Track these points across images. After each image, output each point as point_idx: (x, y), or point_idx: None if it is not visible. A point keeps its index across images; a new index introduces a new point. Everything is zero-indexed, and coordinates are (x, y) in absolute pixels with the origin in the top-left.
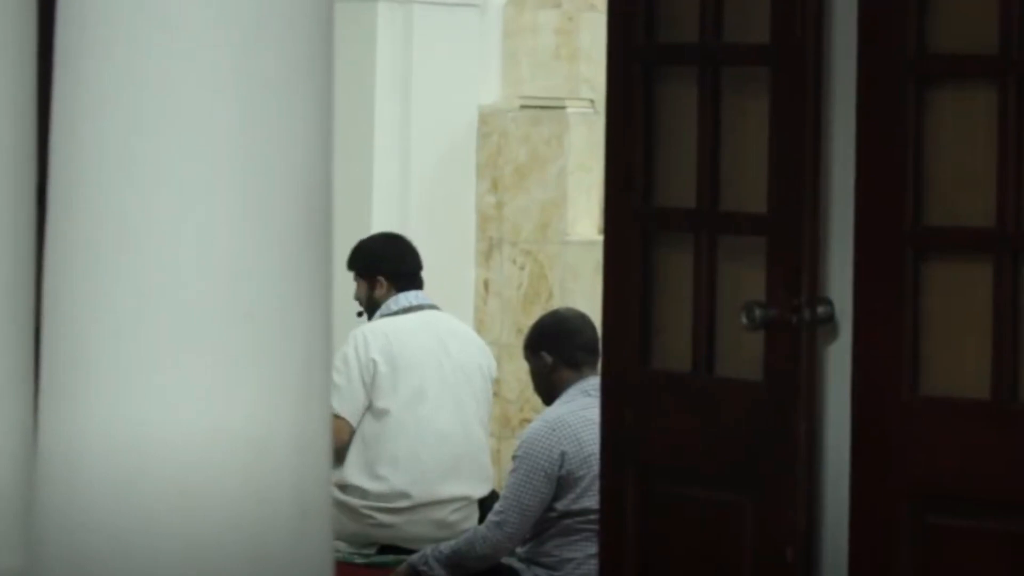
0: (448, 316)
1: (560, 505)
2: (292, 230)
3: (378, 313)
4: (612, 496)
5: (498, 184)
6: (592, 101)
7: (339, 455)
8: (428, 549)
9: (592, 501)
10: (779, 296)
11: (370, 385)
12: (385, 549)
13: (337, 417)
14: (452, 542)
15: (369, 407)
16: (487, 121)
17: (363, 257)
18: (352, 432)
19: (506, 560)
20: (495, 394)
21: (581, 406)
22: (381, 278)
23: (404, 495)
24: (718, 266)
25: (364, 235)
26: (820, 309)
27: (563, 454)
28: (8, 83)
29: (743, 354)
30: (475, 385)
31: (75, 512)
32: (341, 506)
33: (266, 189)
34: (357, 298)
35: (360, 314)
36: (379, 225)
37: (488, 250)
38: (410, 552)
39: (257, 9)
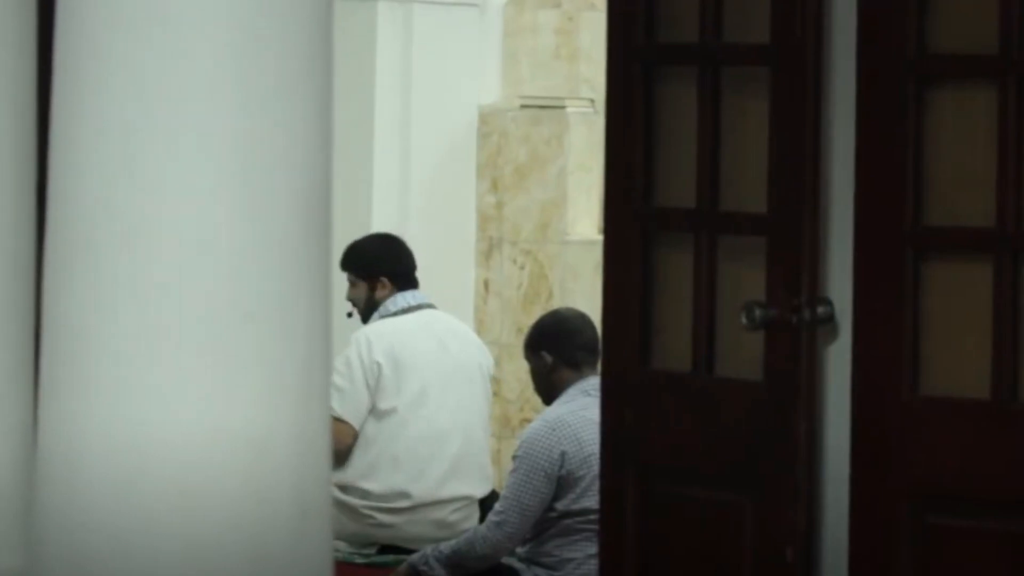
0: (446, 315)
1: (560, 505)
2: (292, 230)
3: (376, 314)
4: (612, 496)
5: (498, 184)
6: (592, 101)
7: (342, 458)
8: (428, 549)
9: (592, 501)
10: (779, 296)
11: (374, 387)
12: (385, 549)
13: (340, 421)
14: (452, 542)
15: (371, 409)
16: (487, 121)
17: (363, 258)
18: (355, 435)
19: (506, 560)
20: (495, 394)
21: (581, 406)
22: (384, 279)
23: (404, 495)
24: (718, 266)
25: (364, 235)
26: (820, 309)
27: (563, 454)
28: (8, 82)
29: (743, 354)
30: (475, 384)
31: (75, 512)
32: (341, 506)
33: (266, 189)
34: (351, 299)
35: (349, 315)
36: (379, 225)
37: (488, 250)
38: (410, 552)
39: (257, 9)
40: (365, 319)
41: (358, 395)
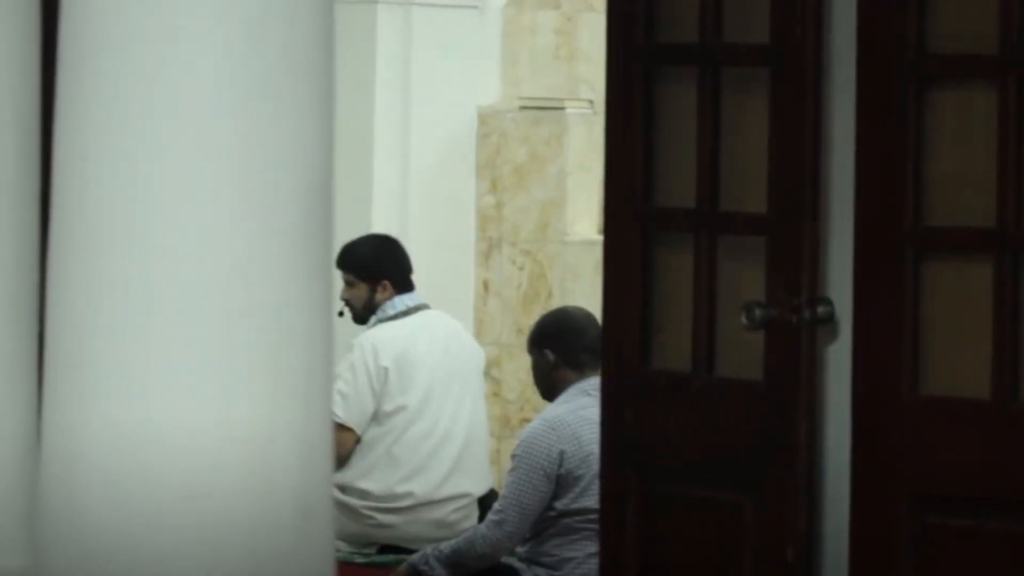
0: (443, 315)
1: (560, 504)
2: (293, 230)
3: (375, 317)
4: (612, 496)
5: (498, 184)
6: (591, 101)
7: (342, 463)
8: (428, 548)
9: (592, 500)
10: (779, 296)
11: (379, 393)
12: (385, 549)
13: (343, 427)
14: (452, 541)
15: (374, 413)
16: (486, 121)
17: (365, 259)
18: (357, 441)
19: (506, 559)
20: (495, 394)
21: (580, 406)
22: (387, 281)
23: (406, 494)
24: (718, 266)
25: (361, 235)
26: (820, 309)
27: (562, 453)
28: (11, 83)
29: (743, 354)
30: (473, 384)
31: (78, 512)
32: (342, 506)
33: (266, 189)
34: (347, 299)
35: (340, 314)
36: (379, 225)
37: (488, 250)
38: (410, 552)
39: (257, 10)
40: (361, 320)
41: (362, 401)
